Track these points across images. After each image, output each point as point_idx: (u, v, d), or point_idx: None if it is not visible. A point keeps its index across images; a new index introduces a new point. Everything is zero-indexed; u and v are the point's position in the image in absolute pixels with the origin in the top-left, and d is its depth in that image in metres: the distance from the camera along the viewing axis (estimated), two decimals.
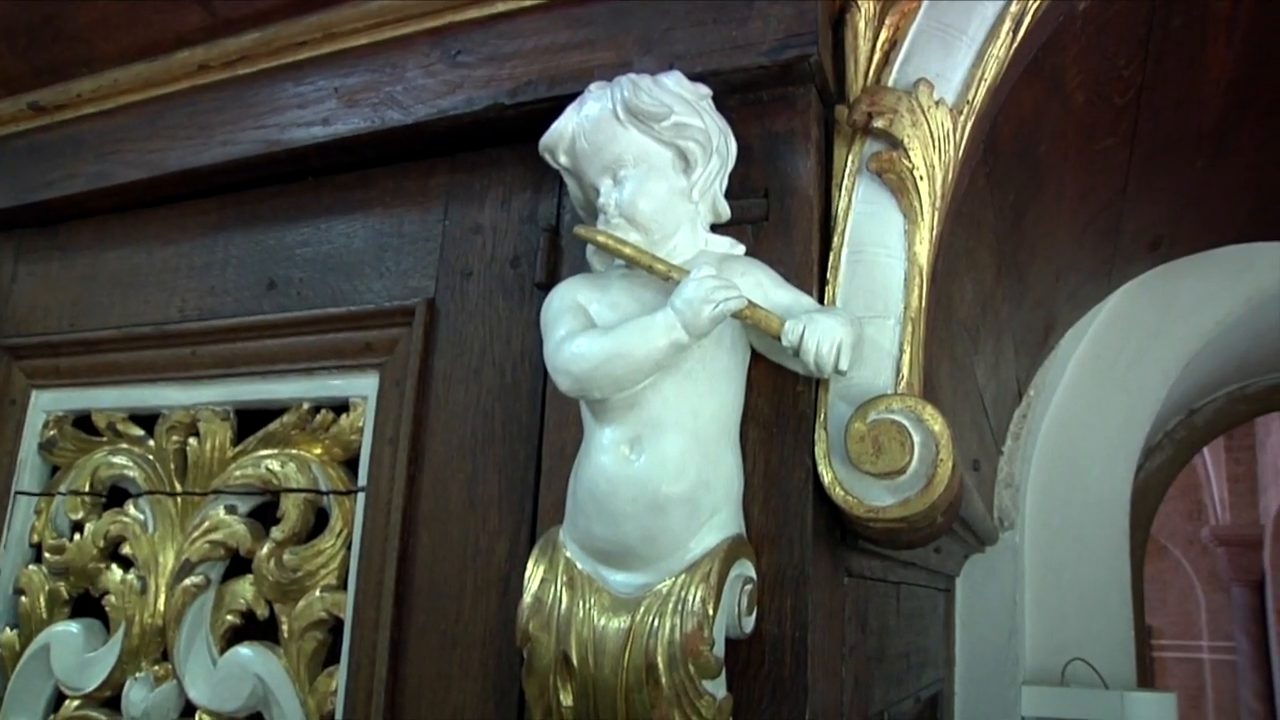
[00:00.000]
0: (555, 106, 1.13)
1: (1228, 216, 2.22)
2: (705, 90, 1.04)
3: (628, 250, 0.99)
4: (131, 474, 1.42)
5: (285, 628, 1.25)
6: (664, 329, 0.91)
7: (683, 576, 0.91)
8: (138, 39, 1.40)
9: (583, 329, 0.96)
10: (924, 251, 1.04)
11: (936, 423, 0.93)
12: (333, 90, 1.30)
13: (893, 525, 0.96)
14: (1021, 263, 1.73)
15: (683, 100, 1.01)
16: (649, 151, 1.01)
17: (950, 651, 2.47)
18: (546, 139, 1.05)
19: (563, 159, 1.05)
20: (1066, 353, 2.85)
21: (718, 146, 1.03)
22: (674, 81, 1.03)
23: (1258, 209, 2.18)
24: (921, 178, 1.04)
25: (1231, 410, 3.95)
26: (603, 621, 0.92)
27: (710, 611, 0.89)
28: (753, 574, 0.96)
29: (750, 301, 0.94)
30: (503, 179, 1.26)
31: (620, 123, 1.00)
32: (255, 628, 1.30)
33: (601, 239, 1.00)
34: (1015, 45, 1.08)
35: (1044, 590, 2.73)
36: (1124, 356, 2.86)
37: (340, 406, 1.31)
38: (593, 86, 1.04)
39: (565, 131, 1.03)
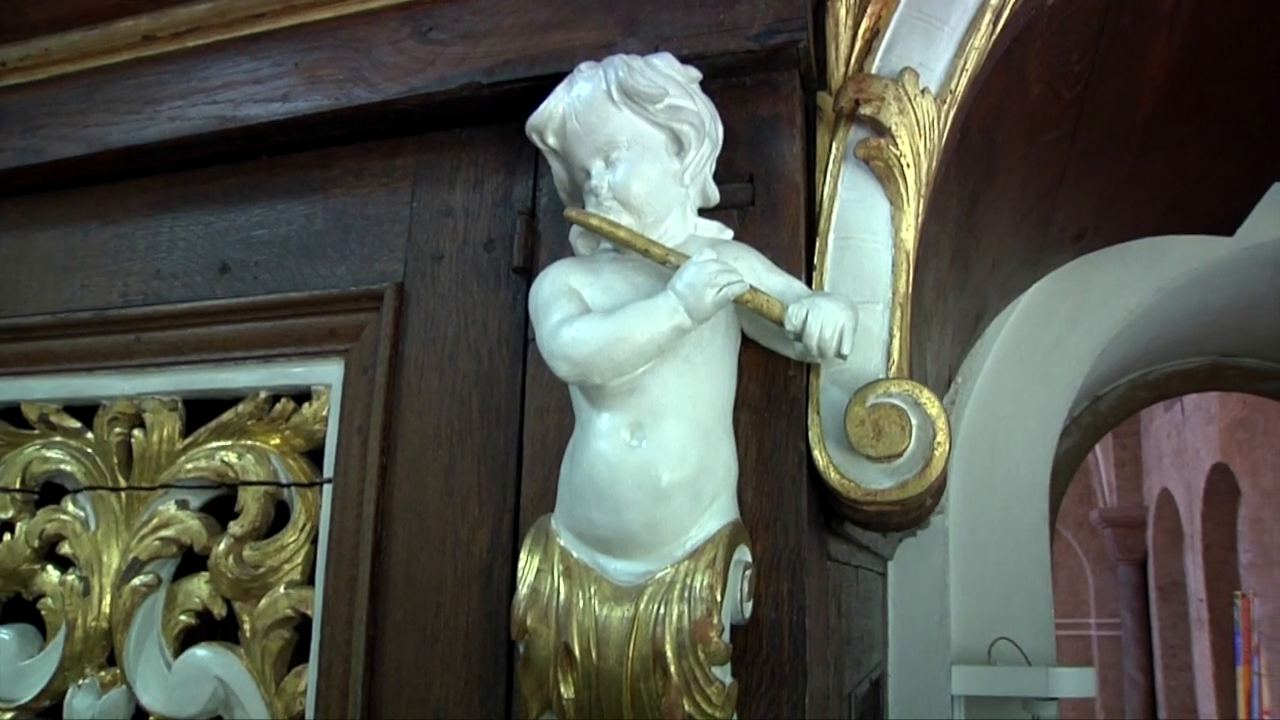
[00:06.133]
0: (534, 87, 1.11)
1: (1147, 210, 2.31)
2: (695, 73, 1.04)
3: (622, 233, 0.97)
4: (68, 469, 1.34)
5: (247, 627, 1.20)
6: (667, 313, 0.90)
7: (686, 563, 0.90)
8: (73, 6, 1.32)
9: (579, 313, 0.94)
10: (910, 238, 1.05)
11: (933, 406, 0.94)
12: (293, 66, 1.24)
13: (887, 508, 0.97)
14: (969, 251, 1.77)
15: (675, 82, 1.00)
16: (643, 133, 0.99)
17: (885, 634, 2.52)
18: (535, 119, 1.02)
19: (551, 140, 1.02)
20: (989, 341, 2.93)
21: (709, 130, 1.02)
22: (665, 63, 1.01)
23: (1174, 203, 2.28)
24: (908, 165, 1.05)
25: (1133, 397, 4.13)
26: (604, 611, 0.91)
27: (718, 597, 0.88)
28: (750, 559, 0.96)
29: (751, 286, 0.93)
30: (474, 160, 1.22)
31: (614, 103, 0.98)
32: (211, 628, 1.24)
33: (595, 222, 0.98)
34: (994, 37, 1.10)
35: (969, 572, 2.81)
36: (1042, 345, 2.96)
37: (301, 395, 1.26)
38: (583, 66, 1.02)
39: (555, 112, 1.01)
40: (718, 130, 1.04)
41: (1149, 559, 12.28)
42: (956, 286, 1.88)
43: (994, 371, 2.96)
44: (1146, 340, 3.49)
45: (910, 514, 1.02)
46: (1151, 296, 2.92)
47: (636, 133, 0.99)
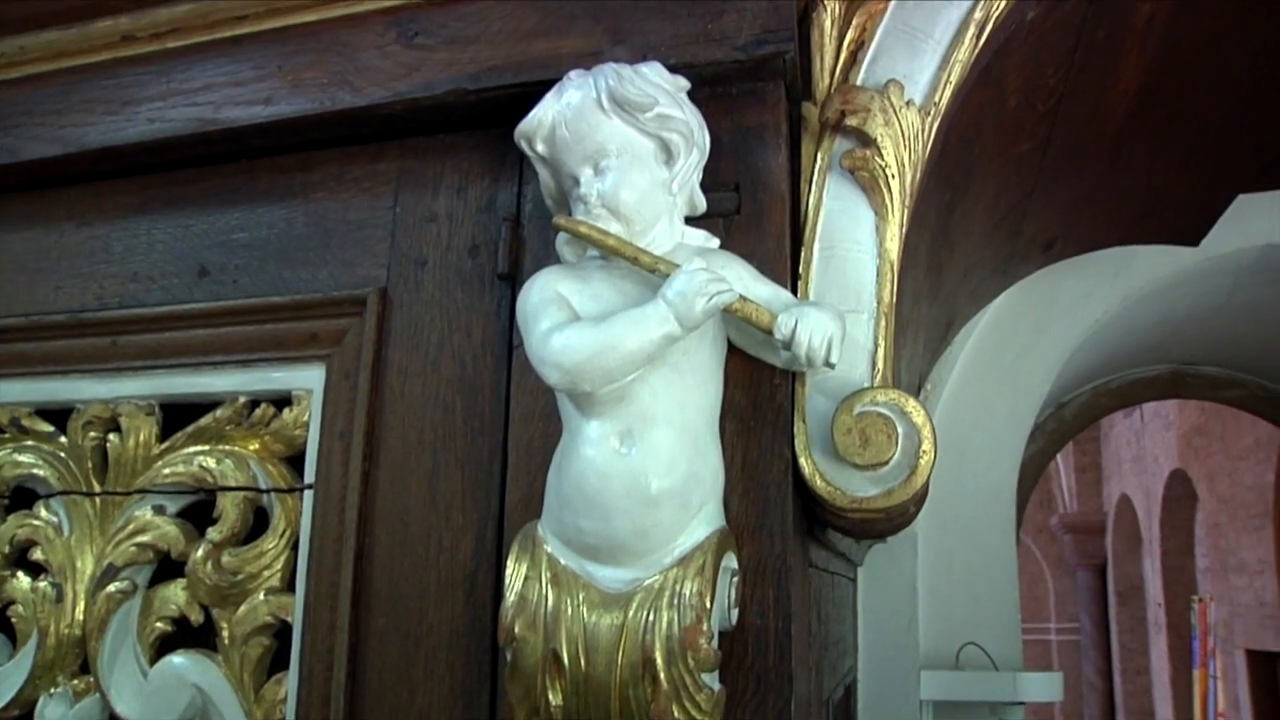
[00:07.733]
0: (521, 93, 1.11)
1: (1115, 220, 2.36)
2: (684, 82, 1.04)
3: (610, 241, 0.98)
4: (41, 473, 1.31)
5: (225, 634, 1.18)
6: (657, 321, 0.90)
7: (675, 570, 0.91)
8: (50, 4, 1.30)
9: (568, 321, 0.94)
10: (894, 248, 1.07)
11: (919, 415, 0.95)
12: (276, 69, 1.23)
13: (872, 515, 0.98)
14: (943, 260, 1.79)
15: (664, 91, 1.01)
16: (632, 142, 1.00)
17: (855, 639, 2.54)
18: (524, 126, 1.02)
19: (540, 147, 1.03)
20: (958, 348, 2.97)
21: (697, 139, 1.03)
22: (654, 72, 1.02)
23: (1142, 213, 2.33)
24: (893, 176, 1.06)
25: (1096, 404, 4.20)
26: (593, 618, 0.91)
27: (707, 604, 0.89)
28: (736, 566, 0.96)
29: (741, 295, 0.94)
30: (458, 166, 1.22)
31: (604, 112, 0.99)
32: (188, 635, 1.22)
33: (584, 229, 0.98)
34: (978, 50, 1.11)
35: (937, 578, 2.83)
36: (1010, 352, 2.99)
37: (281, 400, 1.25)
38: (572, 74, 1.02)
39: (545, 119, 1.01)
40: (705, 139, 1.04)
41: (1108, 564, 12.48)
42: (930, 294, 1.90)
43: (962, 379, 2.99)
44: (1111, 348, 3.55)
45: (894, 521, 1.03)
46: (1117, 305, 2.97)
47: (626, 141, 1.00)
